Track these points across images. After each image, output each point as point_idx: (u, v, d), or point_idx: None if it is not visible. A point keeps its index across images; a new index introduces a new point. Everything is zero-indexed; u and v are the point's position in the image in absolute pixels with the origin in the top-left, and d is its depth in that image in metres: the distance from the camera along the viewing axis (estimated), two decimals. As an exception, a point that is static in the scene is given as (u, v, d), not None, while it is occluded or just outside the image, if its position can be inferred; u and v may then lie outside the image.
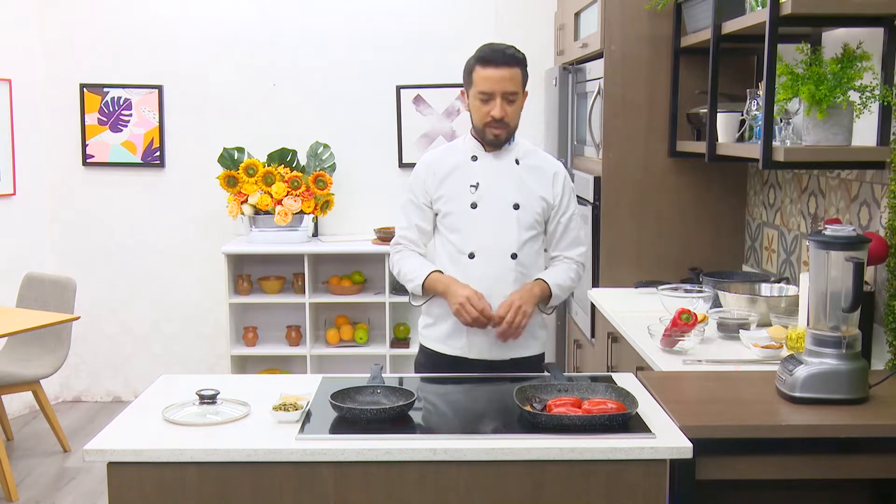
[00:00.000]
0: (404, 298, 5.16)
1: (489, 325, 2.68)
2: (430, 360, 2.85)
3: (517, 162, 2.80)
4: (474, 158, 2.80)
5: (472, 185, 2.76)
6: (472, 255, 2.74)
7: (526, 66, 2.74)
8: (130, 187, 5.43)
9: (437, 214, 2.83)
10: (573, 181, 4.38)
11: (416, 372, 2.89)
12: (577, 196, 4.21)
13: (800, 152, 2.73)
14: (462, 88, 2.83)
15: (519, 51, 2.73)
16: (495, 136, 2.73)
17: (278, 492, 2.04)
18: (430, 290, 2.77)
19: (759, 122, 2.90)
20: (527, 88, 2.77)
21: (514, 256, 2.74)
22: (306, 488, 2.04)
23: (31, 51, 5.28)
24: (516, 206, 2.75)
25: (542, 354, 2.89)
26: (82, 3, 5.31)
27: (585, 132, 4.17)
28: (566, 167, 4.55)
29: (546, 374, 2.53)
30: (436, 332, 2.84)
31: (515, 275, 2.75)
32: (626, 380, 2.51)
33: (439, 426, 2.26)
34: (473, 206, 2.75)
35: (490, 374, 2.69)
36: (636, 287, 3.75)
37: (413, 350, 5.17)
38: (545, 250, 2.89)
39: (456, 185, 2.78)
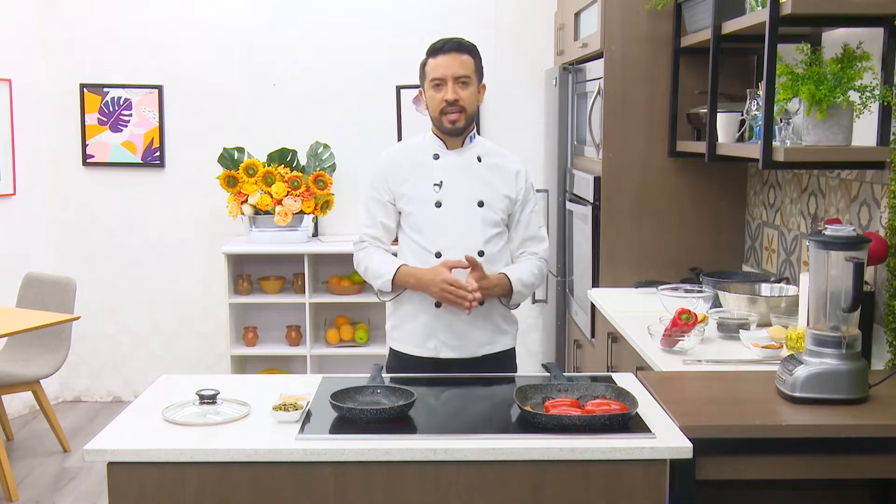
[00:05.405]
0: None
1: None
2: (402, 364, 2.80)
3: (479, 160, 2.80)
4: (436, 157, 2.79)
5: (435, 184, 2.75)
6: (438, 255, 2.73)
7: (477, 54, 2.76)
8: (130, 187, 5.43)
9: (399, 213, 2.81)
10: (573, 181, 4.41)
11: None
12: (578, 196, 4.26)
13: (800, 152, 2.73)
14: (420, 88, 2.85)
15: (468, 40, 2.76)
16: (452, 123, 2.73)
17: (278, 492, 2.04)
18: (400, 285, 2.75)
19: (759, 122, 2.90)
20: (484, 82, 2.80)
21: (480, 254, 2.73)
22: (306, 488, 2.04)
23: (31, 51, 5.28)
24: (480, 204, 2.74)
25: (513, 349, 2.88)
26: (82, 3, 5.31)
27: (585, 132, 4.17)
28: (566, 167, 4.59)
29: (546, 373, 2.53)
30: (404, 332, 2.81)
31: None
32: (626, 380, 2.51)
33: (439, 426, 2.25)
34: (438, 204, 2.74)
35: (490, 375, 2.68)
36: (636, 287, 3.74)
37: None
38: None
39: (418, 184, 2.76)
